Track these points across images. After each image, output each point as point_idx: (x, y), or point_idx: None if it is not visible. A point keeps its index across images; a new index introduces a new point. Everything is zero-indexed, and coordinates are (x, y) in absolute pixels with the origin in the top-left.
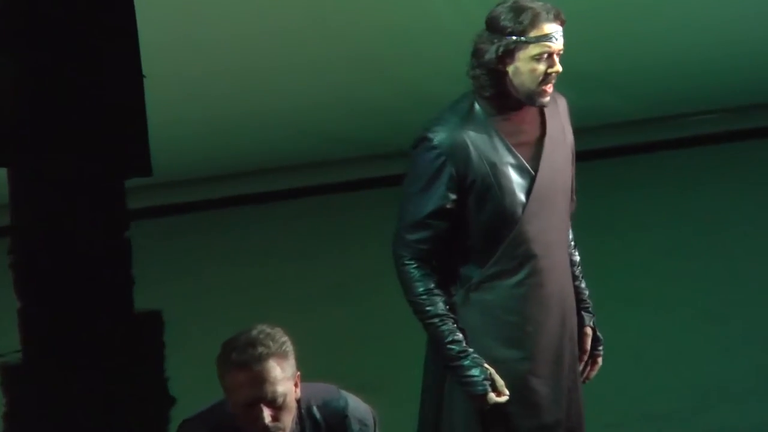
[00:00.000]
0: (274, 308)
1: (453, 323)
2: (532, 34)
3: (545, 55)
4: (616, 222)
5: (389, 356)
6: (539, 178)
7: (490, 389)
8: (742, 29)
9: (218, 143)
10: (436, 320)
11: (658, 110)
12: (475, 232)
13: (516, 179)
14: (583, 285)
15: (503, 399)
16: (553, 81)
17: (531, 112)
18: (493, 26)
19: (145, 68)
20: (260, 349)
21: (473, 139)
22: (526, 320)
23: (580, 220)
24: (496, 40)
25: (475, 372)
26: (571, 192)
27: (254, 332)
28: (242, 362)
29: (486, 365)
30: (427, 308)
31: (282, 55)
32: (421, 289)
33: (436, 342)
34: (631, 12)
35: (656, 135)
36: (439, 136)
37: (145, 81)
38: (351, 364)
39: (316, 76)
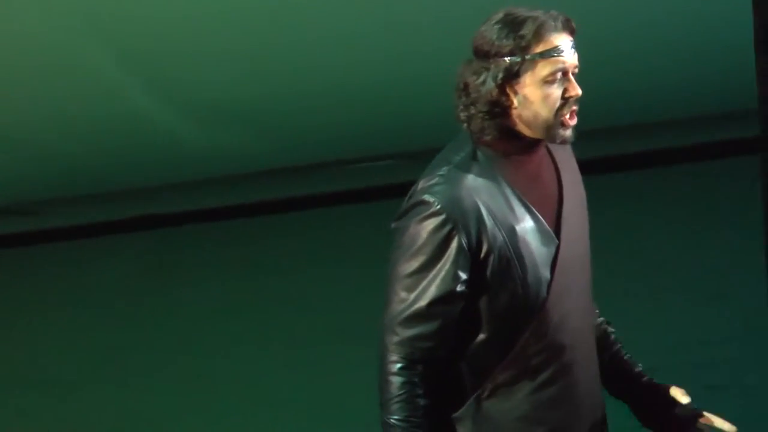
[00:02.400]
0: None
1: None
2: (539, 49)
3: (559, 75)
4: None
5: None
6: (563, 245)
7: None
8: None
9: None
10: None
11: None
12: (487, 322)
13: (537, 248)
14: (631, 359)
15: None
16: (575, 108)
17: (545, 158)
18: (484, 49)
19: None
20: None
21: (483, 197)
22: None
23: None
24: (491, 66)
25: None
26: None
27: None
28: None
29: None
30: None
31: None
32: (408, 411)
33: None
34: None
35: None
36: (440, 198)
37: None
38: None
39: None
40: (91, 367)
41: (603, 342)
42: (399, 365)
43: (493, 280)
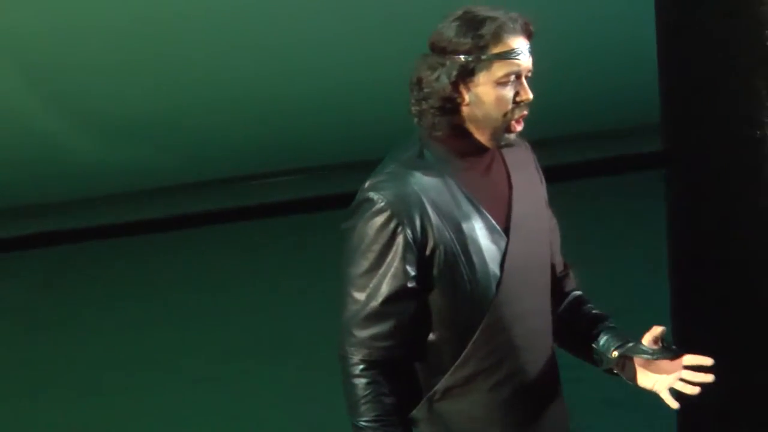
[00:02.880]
0: None
1: None
2: (496, 50)
3: (513, 77)
4: None
5: None
6: (512, 243)
7: None
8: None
9: None
10: None
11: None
12: (439, 321)
13: (486, 245)
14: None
15: None
16: (525, 113)
17: (496, 159)
18: (441, 45)
19: None
20: None
21: (429, 194)
22: None
23: None
24: (447, 62)
25: None
26: (553, 255)
27: None
28: None
29: None
30: None
31: None
32: (377, 410)
33: None
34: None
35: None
36: (386, 195)
37: None
38: None
39: None
40: None
41: (580, 314)
42: (360, 367)
43: (442, 276)
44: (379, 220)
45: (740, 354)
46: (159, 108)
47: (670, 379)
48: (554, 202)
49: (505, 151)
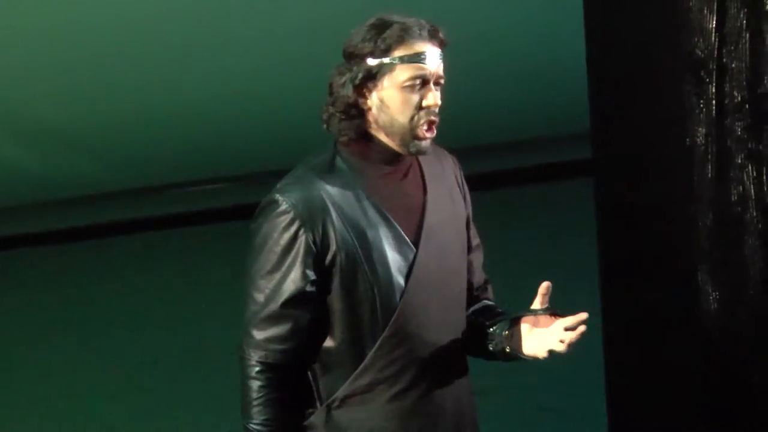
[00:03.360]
0: None
1: None
2: (399, 53)
3: (418, 82)
4: None
5: None
6: (420, 255)
7: None
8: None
9: None
10: None
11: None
12: (339, 328)
13: (392, 255)
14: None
15: None
16: (434, 119)
17: (412, 168)
18: (348, 51)
19: None
20: None
21: (335, 199)
22: None
23: None
24: (354, 67)
25: None
26: (472, 273)
27: None
28: None
29: None
30: None
31: None
32: (267, 414)
33: None
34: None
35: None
36: (291, 198)
37: None
38: None
39: None
40: None
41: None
42: (256, 369)
43: (343, 283)
44: (282, 222)
45: (670, 361)
46: (86, 114)
47: (550, 340)
48: (490, 209)
49: (424, 161)
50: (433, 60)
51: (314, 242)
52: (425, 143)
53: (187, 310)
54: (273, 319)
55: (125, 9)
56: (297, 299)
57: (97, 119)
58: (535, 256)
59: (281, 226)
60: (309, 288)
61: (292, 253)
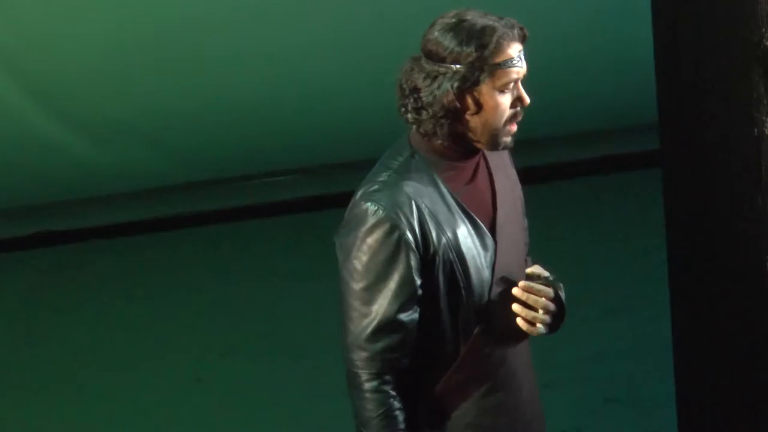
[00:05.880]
0: None
1: None
2: (498, 59)
3: (511, 85)
4: None
5: None
6: (500, 247)
7: None
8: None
9: None
10: None
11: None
12: (436, 327)
13: (479, 252)
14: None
15: None
16: (521, 117)
17: (480, 164)
18: (441, 55)
19: None
20: None
21: (424, 201)
22: None
23: None
24: (447, 72)
25: None
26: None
27: None
28: None
29: None
30: None
31: None
32: (392, 425)
33: None
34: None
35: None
36: (383, 204)
37: None
38: None
39: None
40: None
41: None
42: (374, 382)
43: (441, 282)
44: (381, 231)
45: (739, 353)
46: (155, 110)
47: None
48: (555, 201)
49: (488, 154)
50: (523, 60)
51: (416, 246)
52: (510, 139)
53: (255, 303)
54: (387, 329)
55: (193, 11)
56: (408, 306)
57: (166, 116)
58: (603, 248)
59: (380, 236)
60: (419, 292)
61: (398, 261)
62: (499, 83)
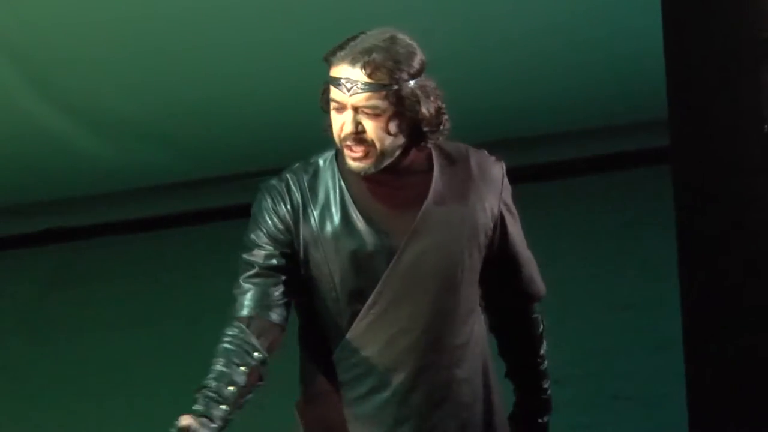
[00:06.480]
0: None
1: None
2: (330, 73)
3: (336, 105)
4: None
5: None
6: (404, 262)
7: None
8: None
9: None
10: None
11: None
12: (312, 317)
13: (358, 256)
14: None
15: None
16: (351, 144)
17: (413, 174)
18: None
19: None
20: None
21: (318, 192)
22: None
23: None
24: None
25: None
26: (466, 283)
27: None
28: None
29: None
30: None
31: None
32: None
33: None
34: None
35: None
36: (278, 177)
37: None
38: None
39: None
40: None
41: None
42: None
43: (309, 271)
44: (262, 193)
45: (750, 348)
46: (166, 105)
47: None
48: (563, 197)
49: (445, 172)
50: (349, 89)
51: (283, 198)
52: (353, 163)
53: None
54: (244, 271)
55: (201, 2)
56: (260, 243)
57: (171, 110)
58: (612, 244)
59: (259, 197)
60: (273, 247)
61: (263, 205)
62: (329, 97)
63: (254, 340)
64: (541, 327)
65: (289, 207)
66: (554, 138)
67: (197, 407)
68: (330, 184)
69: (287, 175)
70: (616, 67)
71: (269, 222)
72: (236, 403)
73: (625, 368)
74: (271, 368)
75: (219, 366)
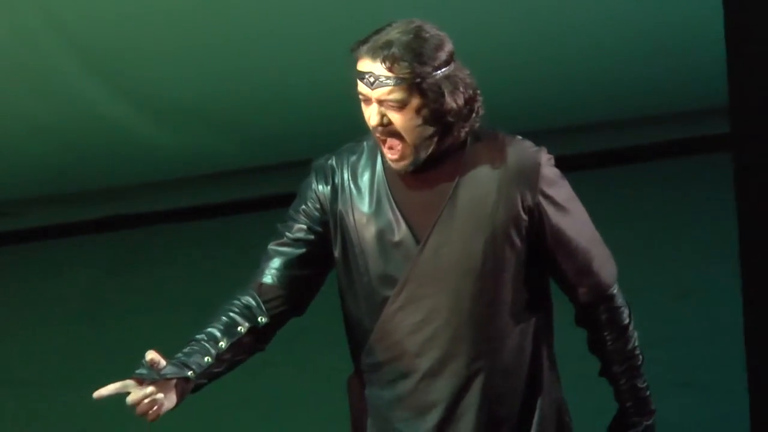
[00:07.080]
0: None
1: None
2: (358, 65)
3: (362, 98)
4: None
5: None
6: (427, 254)
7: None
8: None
9: None
10: None
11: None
12: (343, 302)
13: (387, 243)
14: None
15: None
16: (385, 138)
17: (446, 164)
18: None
19: None
20: None
21: (358, 174)
22: None
23: None
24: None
25: None
26: (498, 276)
27: None
28: None
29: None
30: None
31: None
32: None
33: None
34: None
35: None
36: (320, 158)
37: None
38: None
39: None
40: (57, 368)
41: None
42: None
43: (340, 256)
44: (311, 171)
45: None
46: (221, 93)
47: None
48: (625, 185)
49: (476, 163)
50: (372, 82)
51: (326, 180)
52: (395, 164)
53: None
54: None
55: None
56: (296, 217)
57: (233, 98)
58: (674, 232)
59: (306, 179)
60: (302, 221)
61: (302, 193)
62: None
63: (262, 304)
64: (627, 321)
65: (329, 187)
66: (615, 124)
67: (179, 353)
68: (371, 169)
69: (334, 156)
70: (676, 55)
71: (307, 198)
72: (223, 358)
73: (687, 355)
74: None
75: (215, 322)
